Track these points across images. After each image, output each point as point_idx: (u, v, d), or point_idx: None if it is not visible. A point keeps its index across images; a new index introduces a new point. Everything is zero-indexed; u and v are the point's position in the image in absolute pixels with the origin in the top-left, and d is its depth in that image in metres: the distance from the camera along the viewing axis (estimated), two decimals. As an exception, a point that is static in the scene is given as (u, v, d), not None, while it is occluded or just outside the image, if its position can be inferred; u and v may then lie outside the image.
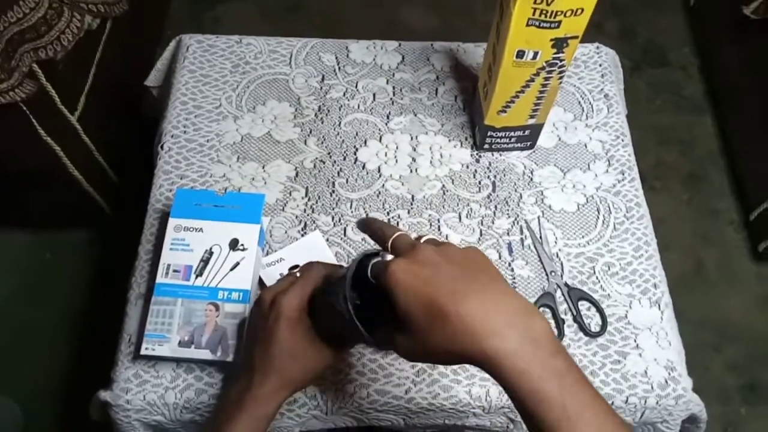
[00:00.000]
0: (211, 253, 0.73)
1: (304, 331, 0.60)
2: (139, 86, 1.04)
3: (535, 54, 0.72)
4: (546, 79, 0.75)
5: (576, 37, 0.70)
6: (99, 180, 1.32)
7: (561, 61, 0.73)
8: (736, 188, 1.66)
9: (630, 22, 1.95)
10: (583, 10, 0.66)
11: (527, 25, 0.68)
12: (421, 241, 0.51)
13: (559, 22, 0.67)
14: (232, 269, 0.72)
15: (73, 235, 1.47)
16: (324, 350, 0.61)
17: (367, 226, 0.58)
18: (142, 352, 0.69)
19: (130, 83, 1.45)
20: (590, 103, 0.96)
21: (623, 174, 0.90)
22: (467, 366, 0.74)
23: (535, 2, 0.65)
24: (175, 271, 0.72)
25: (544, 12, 0.66)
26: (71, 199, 1.31)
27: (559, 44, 0.70)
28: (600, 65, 1.00)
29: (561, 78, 0.76)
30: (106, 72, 1.27)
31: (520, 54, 0.72)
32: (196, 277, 0.72)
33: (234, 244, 0.73)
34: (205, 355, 0.69)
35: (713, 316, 1.48)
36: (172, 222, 0.74)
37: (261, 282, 0.77)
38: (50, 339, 1.36)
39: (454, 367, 0.74)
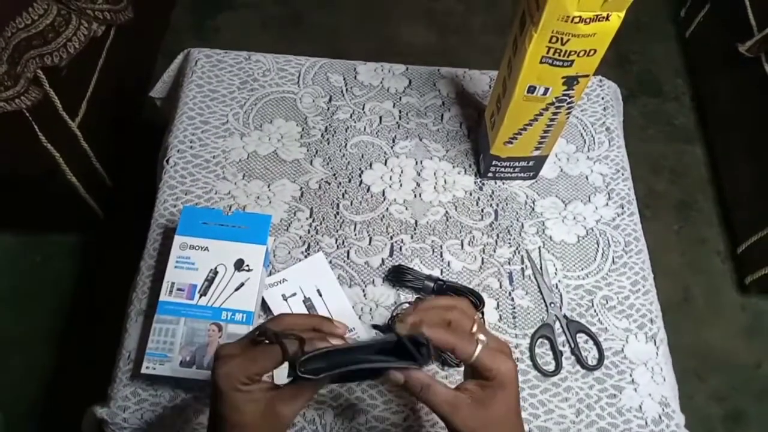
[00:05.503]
0: (215, 273, 0.73)
1: (254, 405, 0.50)
2: (139, 94, 1.04)
3: (546, 90, 0.73)
4: (554, 114, 0.77)
5: (587, 76, 0.71)
6: (95, 186, 1.31)
7: (570, 97, 0.74)
8: (724, 219, 1.69)
9: (625, 50, 1.98)
10: (596, 51, 0.67)
11: (540, 62, 0.69)
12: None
13: (572, 61, 0.68)
14: (236, 290, 0.72)
15: (63, 239, 1.46)
16: (282, 415, 0.51)
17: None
18: (143, 371, 0.69)
19: (130, 91, 1.46)
20: (592, 135, 0.97)
21: (623, 207, 0.91)
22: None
23: (550, 41, 0.66)
24: (179, 289, 0.72)
25: (558, 51, 0.67)
26: (66, 203, 1.30)
27: (570, 82, 0.71)
28: (602, 98, 1.01)
29: (569, 113, 0.77)
30: (107, 79, 1.26)
31: (531, 89, 0.73)
32: (200, 297, 0.72)
33: (239, 265, 0.73)
34: (207, 376, 0.69)
35: (698, 345, 1.50)
36: (177, 240, 0.74)
37: (264, 303, 0.77)
38: (35, 344, 1.35)
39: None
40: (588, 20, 0.64)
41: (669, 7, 2.07)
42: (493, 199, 0.90)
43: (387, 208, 0.87)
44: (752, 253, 1.52)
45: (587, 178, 0.93)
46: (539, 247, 0.86)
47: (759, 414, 1.43)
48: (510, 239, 0.87)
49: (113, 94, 1.32)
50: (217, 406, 0.51)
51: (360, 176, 0.90)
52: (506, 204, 0.90)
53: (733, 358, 1.50)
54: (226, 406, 0.50)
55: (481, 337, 0.52)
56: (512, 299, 0.82)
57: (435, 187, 0.90)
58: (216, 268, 0.73)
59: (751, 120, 1.57)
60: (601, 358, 0.78)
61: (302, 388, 0.51)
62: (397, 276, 0.81)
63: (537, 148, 0.84)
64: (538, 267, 0.85)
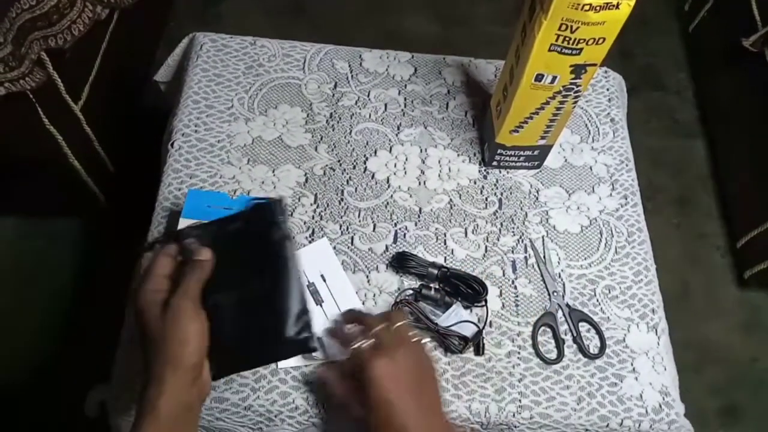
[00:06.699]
0: (220, 256, 0.73)
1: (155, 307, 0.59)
2: (141, 79, 1.03)
3: (554, 78, 0.73)
4: (561, 102, 0.77)
5: (595, 65, 0.71)
6: (96, 170, 1.31)
7: (578, 86, 0.74)
8: (724, 214, 1.69)
9: (629, 43, 1.97)
10: (605, 39, 0.67)
11: (549, 50, 0.69)
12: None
13: (581, 49, 0.68)
14: (241, 273, 0.72)
15: (65, 224, 1.45)
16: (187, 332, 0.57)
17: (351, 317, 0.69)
18: (148, 352, 0.69)
19: (133, 74, 1.45)
20: (597, 126, 0.98)
21: (626, 198, 0.91)
22: (467, 382, 0.75)
23: (559, 29, 0.66)
24: (184, 272, 0.72)
25: (567, 39, 0.67)
26: (68, 187, 1.29)
27: (578, 70, 0.71)
28: (607, 89, 1.02)
29: (575, 102, 0.77)
30: (110, 62, 1.26)
31: (539, 77, 0.73)
32: (205, 280, 0.72)
33: (244, 248, 0.73)
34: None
35: (695, 338, 1.51)
36: (183, 223, 0.74)
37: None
38: (36, 329, 1.35)
39: (456, 382, 0.75)
40: (598, 8, 0.64)
41: (672, 0, 2.07)
42: (497, 188, 0.90)
43: (391, 195, 0.88)
44: (751, 247, 1.53)
45: (591, 169, 0.94)
46: (543, 236, 0.87)
47: (754, 408, 1.44)
48: (514, 228, 0.87)
49: (116, 78, 1.32)
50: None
51: (365, 163, 0.90)
52: (510, 193, 0.90)
53: (730, 352, 1.50)
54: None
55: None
56: (515, 287, 0.82)
57: (439, 175, 0.90)
58: (221, 251, 0.73)
59: (753, 115, 1.57)
60: (602, 347, 0.79)
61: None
62: (401, 263, 0.81)
63: (542, 138, 0.85)
64: (542, 256, 0.85)
